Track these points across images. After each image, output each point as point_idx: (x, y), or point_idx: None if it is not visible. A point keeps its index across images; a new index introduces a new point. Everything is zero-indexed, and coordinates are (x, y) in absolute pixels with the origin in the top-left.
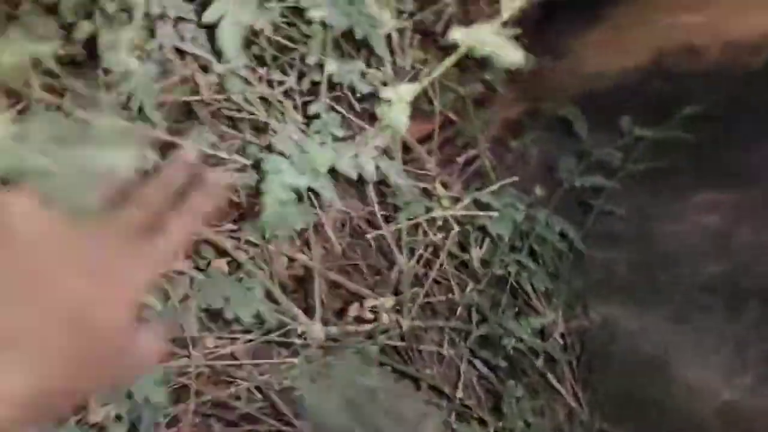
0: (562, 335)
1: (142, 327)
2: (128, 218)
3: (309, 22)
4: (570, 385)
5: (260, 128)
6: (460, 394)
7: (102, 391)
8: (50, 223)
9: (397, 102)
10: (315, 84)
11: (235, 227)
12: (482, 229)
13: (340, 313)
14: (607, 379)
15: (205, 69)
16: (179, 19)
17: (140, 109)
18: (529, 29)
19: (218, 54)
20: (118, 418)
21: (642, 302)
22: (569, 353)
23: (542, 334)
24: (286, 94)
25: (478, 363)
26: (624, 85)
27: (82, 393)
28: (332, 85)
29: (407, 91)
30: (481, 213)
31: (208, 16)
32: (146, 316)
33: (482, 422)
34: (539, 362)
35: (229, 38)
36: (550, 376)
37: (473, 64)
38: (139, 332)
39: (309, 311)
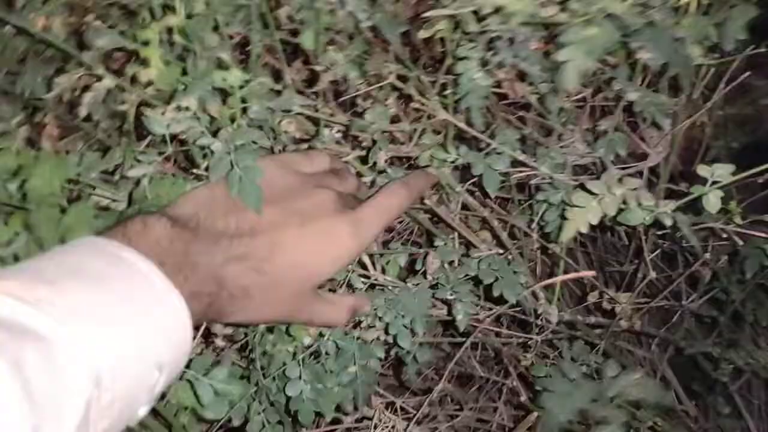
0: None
1: (344, 294)
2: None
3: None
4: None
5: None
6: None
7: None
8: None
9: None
10: (609, 105)
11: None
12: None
13: (579, 300)
14: None
15: (522, 77)
16: (519, 42)
17: (467, 109)
18: None
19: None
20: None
21: None
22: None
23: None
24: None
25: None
26: None
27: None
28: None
29: (725, 173)
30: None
31: (561, 57)
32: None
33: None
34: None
35: (571, 77)
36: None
37: None
38: (337, 296)
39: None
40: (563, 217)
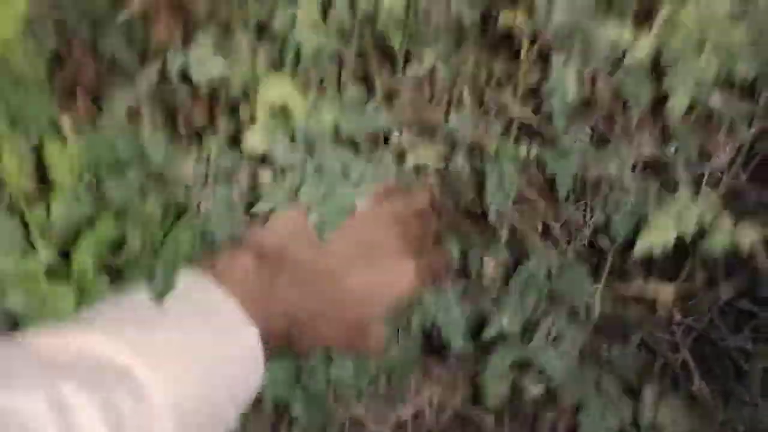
0: None
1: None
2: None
3: None
4: None
5: None
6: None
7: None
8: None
9: None
10: None
11: None
12: None
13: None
14: None
15: None
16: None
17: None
18: None
19: None
20: None
21: None
22: None
23: None
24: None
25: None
26: None
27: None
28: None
29: None
30: None
31: (668, 85)
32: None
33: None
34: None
35: (678, 108)
36: None
37: None
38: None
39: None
40: (638, 226)
